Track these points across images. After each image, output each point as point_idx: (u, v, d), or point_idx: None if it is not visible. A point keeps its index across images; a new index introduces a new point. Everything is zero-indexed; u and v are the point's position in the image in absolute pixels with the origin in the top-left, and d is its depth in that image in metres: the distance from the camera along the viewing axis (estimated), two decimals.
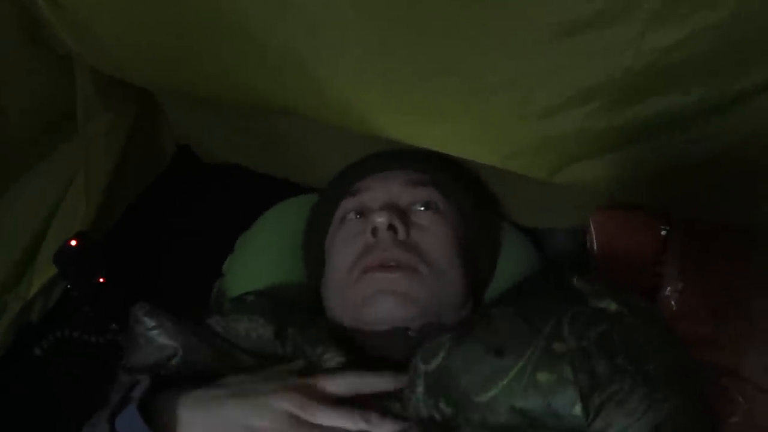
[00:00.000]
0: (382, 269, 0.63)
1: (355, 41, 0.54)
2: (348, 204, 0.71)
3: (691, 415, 0.50)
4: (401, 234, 0.65)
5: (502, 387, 0.49)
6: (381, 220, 0.64)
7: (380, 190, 0.70)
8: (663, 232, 0.75)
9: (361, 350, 0.61)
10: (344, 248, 0.68)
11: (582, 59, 0.49)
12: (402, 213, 0.67)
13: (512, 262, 0.80)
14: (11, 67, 0.70)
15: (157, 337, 0.59)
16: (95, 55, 0.73)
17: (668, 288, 0.71)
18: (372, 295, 0.63)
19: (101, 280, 0.81)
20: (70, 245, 0.78)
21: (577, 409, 0.48)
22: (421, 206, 0.69)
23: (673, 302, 0.71)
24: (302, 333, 0.63)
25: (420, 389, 0.53)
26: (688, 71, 0.48)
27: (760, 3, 0.44)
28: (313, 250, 0.76)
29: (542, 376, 0.49)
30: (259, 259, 0.83)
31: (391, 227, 0.65)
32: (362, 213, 0.70)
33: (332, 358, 0.58)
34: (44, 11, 0.67)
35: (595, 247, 0.76)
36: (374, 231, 0.65)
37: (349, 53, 0.55)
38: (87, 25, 0.67)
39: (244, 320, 0.64)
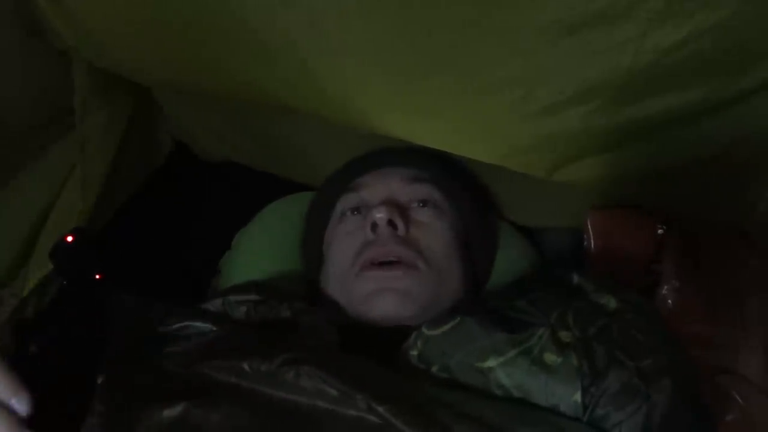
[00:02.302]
0: (382, 267, 0.63)
1: (356, 36, 0.54)
2: (347, 200, 0.71)
3: (685, 412, 0.51)
4: (400, 229, 0.65)
5: (509, 358, 0.50)
6: (380, 215, 0.64)
7: (380, 187, 0.70)
8: (660, 231, 0.75)
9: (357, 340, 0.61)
10: (343, 244, 0.68)
11: (583, 58, 0.49)
12: (401, 209, 0.67)
13: (510, 261, 0.80)
14: (8, 62, 0.70)
15: None
16: (92, 51, 0.73)
17: (665, 287, 0.71)
18: (372, 294, 0.63)
19: (98, 276, 0.81)
20: (67, 241, 0.77)
21: (577, 397, 0.48)
22: (421, 203, 0.69)
23: (669, 301, 0.71)
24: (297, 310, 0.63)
25: (414, 353, 0.53)
26: (688, 71, 0.49)
27: (761, 3, 0.44)
28: (312, 245, 0.76)
29: (549, 357, 0.50)
30: (257, 257, 0.83)
31: (390, 223, 0.65)
32: (361, 209, 0.70)
33: (331, 330, 0.58)
34: (41, 5, 0.66)
35: (592, 246, 0.77)
36: (373, 226, 0.65)
37: (350, 48, 0.55)
38: (84, 20, 0.67)
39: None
